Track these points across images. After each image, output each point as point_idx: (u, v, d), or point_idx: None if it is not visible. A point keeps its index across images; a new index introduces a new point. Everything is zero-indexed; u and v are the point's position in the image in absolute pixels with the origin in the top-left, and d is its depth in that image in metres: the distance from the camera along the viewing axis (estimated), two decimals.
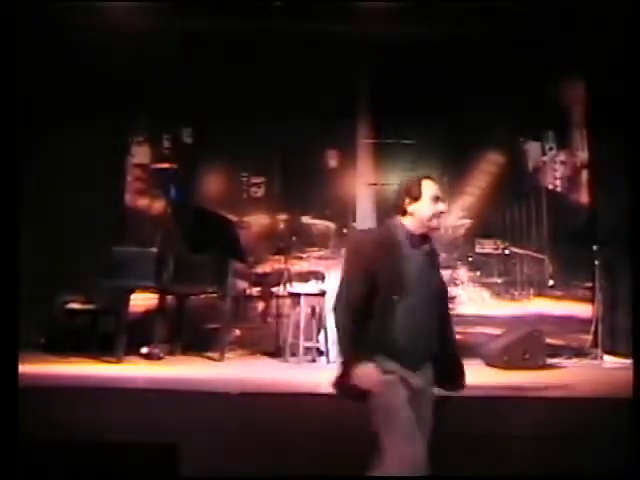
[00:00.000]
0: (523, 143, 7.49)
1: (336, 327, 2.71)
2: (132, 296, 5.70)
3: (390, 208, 2.81)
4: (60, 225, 6.48)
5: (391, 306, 2.63)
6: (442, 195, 2.77)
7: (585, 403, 4.03)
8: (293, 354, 5.85)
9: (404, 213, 2.75)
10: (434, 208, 2.73)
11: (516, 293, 7.17)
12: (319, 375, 5.34)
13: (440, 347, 2.75)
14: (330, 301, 6.00)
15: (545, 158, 7.46)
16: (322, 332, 5.94)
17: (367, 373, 2.56)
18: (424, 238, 2.77)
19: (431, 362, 2.75)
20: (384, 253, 2.64)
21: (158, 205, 7.05)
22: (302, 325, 5.83)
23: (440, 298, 2.81)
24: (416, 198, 2.73)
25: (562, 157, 7.45)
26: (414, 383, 2.68)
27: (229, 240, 6.15)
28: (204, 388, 4.38)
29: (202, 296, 6.53)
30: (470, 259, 7.10)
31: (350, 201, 7.44)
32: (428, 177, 2.79)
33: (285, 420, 3.75)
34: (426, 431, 2.72)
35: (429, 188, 2.75)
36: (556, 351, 6.23)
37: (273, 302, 6.69)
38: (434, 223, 2.75)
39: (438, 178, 2.85)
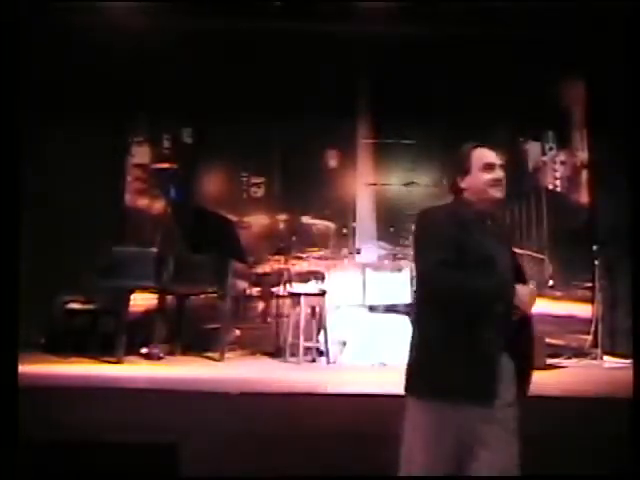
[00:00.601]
0: (523, 143, 7.50)
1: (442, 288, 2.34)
2: (132, 296, 5.70)
3: (447, 189, 2.56)
4: (60, 225, 6.48)
5: None
6: (499, 161, 2.48)
7: (585, 403, 4.03)
8: (293, 354, 5.85)
9: (460, 191, 2.47)
10: (487, 177, 2.42)
11: None
12: (319, 375, 5.36)
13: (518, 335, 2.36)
14: (330, 301, 6.02)
15: (545, 158, 7.47)
16: (322, 332, 5.94)
17: (523, 293, 2.29)
18: (488, 214, 2.47)
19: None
20: (456, 231, 2.34)
21: (158, 205, 7.05)
22: (302, 325, 5.83)
23: (515, 278, 2.43)
24: (466, 171, 2.45)
25: (562, 157, 7.46)
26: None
27: (229, 240, 6.15)
28: (204, 388, 4.38)
29: (202, 296, 6.53)
30: None
31: (350, 201, 7.44)
32: (478, 145, 2.50)
33: (285, 420, 3.75)
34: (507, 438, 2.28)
35: (478, 157, 2.46)
36: (556, 351, 6.22)
37: (273, 302, 6.69)
38: (491, 194, 2.42)
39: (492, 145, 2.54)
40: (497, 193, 2.43)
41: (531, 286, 2.35)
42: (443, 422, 2.24)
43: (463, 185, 2.46)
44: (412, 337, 2.43)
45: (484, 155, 2.46)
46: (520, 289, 2.28)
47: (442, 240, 2.32)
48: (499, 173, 2.45)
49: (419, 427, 2.32)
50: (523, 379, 2.37)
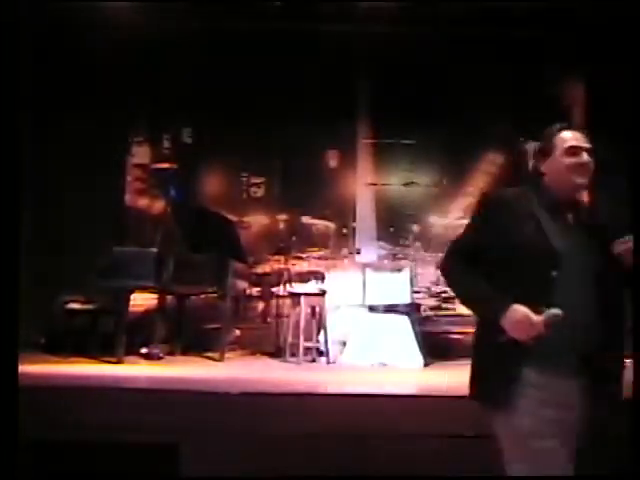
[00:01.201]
0: (523, 143, 7.49)
1: (447, 277, 2.33)
2: (132, 296, 5.70)
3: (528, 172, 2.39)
4: (60, 225, 6.48)
5: (542, 285, 2.07)
6: (586, 144, 2.25)
7: None
8: (293, 354, 5.84)
9: (540, 175, 2.27)
10: (569, 161, 2.20)
11: None
12: (319, 375, 5.36)
13: (599, 347, 2.08)
14: (330, 301, 6.02)
15: None
16: (322, 332, 5.94)
17: (516, 318, 2.03)
18: (569, 203, 2.22)
19: (586, 368, 2.10)
20: (515, 218, 2.16)
21: (158, 205, 7.05)
22: (302, 325, 5.83)
23: (602, 282, 2.11)
24: (547, 154, 2.26)
25: None
26: (563, 396, 2.09)
27: (229, 240, 6.15)
28: (204, 388, 4.38)
29: (202, 296, 6.53)
30: None
31: (350, 201, 7.45)
32: (564, 127, 2.31)
33: (285, 420, 3.75)
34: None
35: (562, 139, 2.25)
36: None
37: (273, 302, 6.68)
38: (573, 179, 2.19)
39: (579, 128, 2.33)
40: (579, 179, 2.20)
41: (552, 312, 1.98)
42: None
43: (543, 169, 2.27)
44: (475, 340, 2.30)
45: (569, 137, 2.27)
46: (513, 311, 2.03)
47: (486, 228, 2.20)
48: (585, 157, 2.22)
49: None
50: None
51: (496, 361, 2.13)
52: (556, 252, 2.10)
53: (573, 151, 2.22)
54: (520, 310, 2.02)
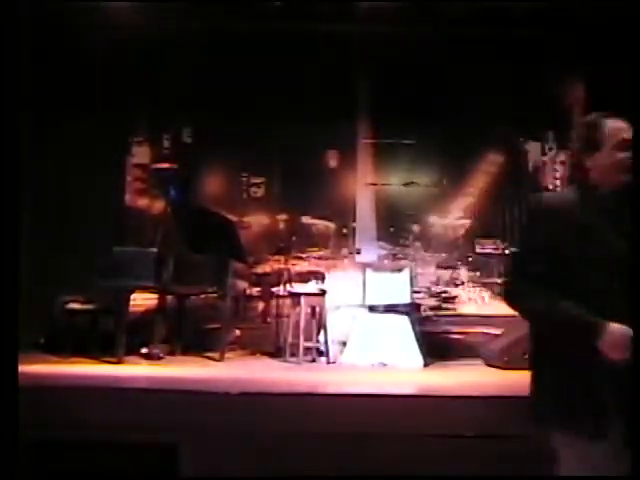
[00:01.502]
0: (523, 143, 7.50)
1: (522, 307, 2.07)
2: (132, 296, 5.70)
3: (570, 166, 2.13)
4: (60, 225, 6.48)
5: (612, 296, 1.90)
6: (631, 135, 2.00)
7: None
8: (293, 354, 5.84)
9: (585, 171, 2.02)
10: (621, 156, 1.96)
11: None
12: (319, 375, 5.36)
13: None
14: (330, 301, 6.02)
15: (545, 158, 7.47)
16: (322, 332, 5.94)
17: (618, 338, 1.85)
18: (614, 202, 1.98)
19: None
20: (572, 227, 1.95)
21: (158, 205, 7.05)
22: (302, 325, 5.83)
23: None
24: (595, 147, 1.99)
25: (562, 157, 7.46)
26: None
27: (229, 240, 6.15)
28: (204, 388, 4.38)
29: (202, 296, 6.53)
30: (470, 259, 7.10)
31: (350, 201, 7.45)
32: (609, 115, 2.05)
33: (285, 420, 3.75)
34: None
35: (614, 131, 1.98)
36: None
37: (273, 302, 6.68)
38: (620, 177, 1.96)
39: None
40: (626, 176, 1.96)
41: None
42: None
43: (588, 164, 2.00)
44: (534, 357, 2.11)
45: (621, 129, 2.00)
46: (612, 330, 1.85)
47: (548, 242, 1.97)
48: (631, 151, 1.97)
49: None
50: None
51: (582, 385, 1.93)
52: (618, 259, 1.93)
53: (626, 145, 1.97)
54: (620, 329, 1.86)
